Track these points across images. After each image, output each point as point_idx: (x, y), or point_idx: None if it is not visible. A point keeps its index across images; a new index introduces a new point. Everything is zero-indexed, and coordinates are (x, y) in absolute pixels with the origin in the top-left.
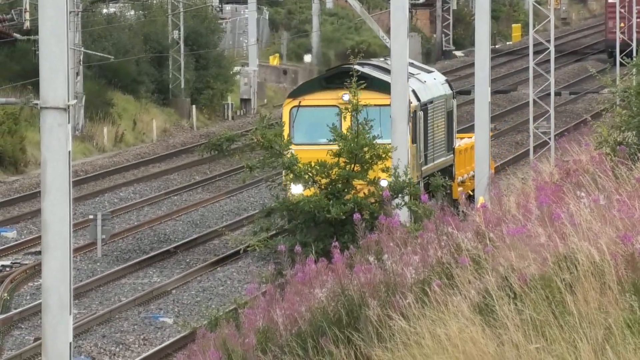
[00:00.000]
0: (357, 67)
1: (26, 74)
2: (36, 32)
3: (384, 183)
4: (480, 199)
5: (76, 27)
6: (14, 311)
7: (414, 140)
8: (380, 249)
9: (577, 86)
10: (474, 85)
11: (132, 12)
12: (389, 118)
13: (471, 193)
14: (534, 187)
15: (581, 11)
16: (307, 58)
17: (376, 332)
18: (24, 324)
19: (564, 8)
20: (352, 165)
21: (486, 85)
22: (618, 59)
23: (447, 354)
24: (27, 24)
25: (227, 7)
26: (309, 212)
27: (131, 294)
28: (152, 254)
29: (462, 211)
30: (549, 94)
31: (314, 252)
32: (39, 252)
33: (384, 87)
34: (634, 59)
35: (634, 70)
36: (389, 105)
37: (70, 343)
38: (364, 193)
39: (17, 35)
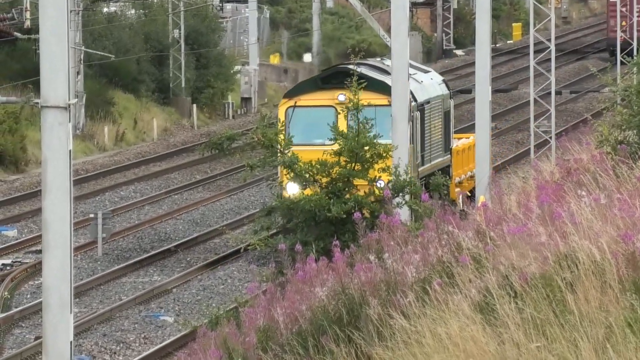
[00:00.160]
0: (353, 67)
1: (27, 73)
2: (37, 31)
3: (380, 184)
4: (481, 198)
5: (77, 26)
6: (15, 310)
7: (410, 140)
8: (380, 247)
9: (577, 85)
10: (474, 84)
11: (133, 11)
12: (385, 118)
13: (469, 194)
14: (535, 186)
15: (582, 10)
16: (308, 57)
17: (377, 330)
18: (25, 323)
19: (564, 7)
20: (353, 164)
21: (487, 84)
22: (619, 57)
23: (447, 352)
24: (27, 23)
25: (228, 6)
26: (309, 211)
27: (132, 293)
28: (153, 252)
29: (462, 210)
30: (549, 93)
31: (314, 251)
32: (40, 251)
33: (381, 88)
34: (635, 57)
35: (635, 69)
36: (386, 105)
37: (71, 342)
38: (364, 192)
39: (18, 34)
